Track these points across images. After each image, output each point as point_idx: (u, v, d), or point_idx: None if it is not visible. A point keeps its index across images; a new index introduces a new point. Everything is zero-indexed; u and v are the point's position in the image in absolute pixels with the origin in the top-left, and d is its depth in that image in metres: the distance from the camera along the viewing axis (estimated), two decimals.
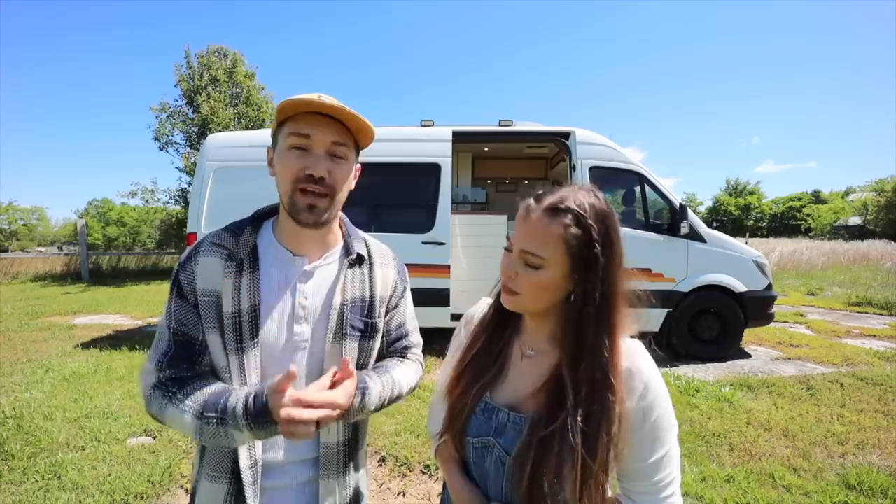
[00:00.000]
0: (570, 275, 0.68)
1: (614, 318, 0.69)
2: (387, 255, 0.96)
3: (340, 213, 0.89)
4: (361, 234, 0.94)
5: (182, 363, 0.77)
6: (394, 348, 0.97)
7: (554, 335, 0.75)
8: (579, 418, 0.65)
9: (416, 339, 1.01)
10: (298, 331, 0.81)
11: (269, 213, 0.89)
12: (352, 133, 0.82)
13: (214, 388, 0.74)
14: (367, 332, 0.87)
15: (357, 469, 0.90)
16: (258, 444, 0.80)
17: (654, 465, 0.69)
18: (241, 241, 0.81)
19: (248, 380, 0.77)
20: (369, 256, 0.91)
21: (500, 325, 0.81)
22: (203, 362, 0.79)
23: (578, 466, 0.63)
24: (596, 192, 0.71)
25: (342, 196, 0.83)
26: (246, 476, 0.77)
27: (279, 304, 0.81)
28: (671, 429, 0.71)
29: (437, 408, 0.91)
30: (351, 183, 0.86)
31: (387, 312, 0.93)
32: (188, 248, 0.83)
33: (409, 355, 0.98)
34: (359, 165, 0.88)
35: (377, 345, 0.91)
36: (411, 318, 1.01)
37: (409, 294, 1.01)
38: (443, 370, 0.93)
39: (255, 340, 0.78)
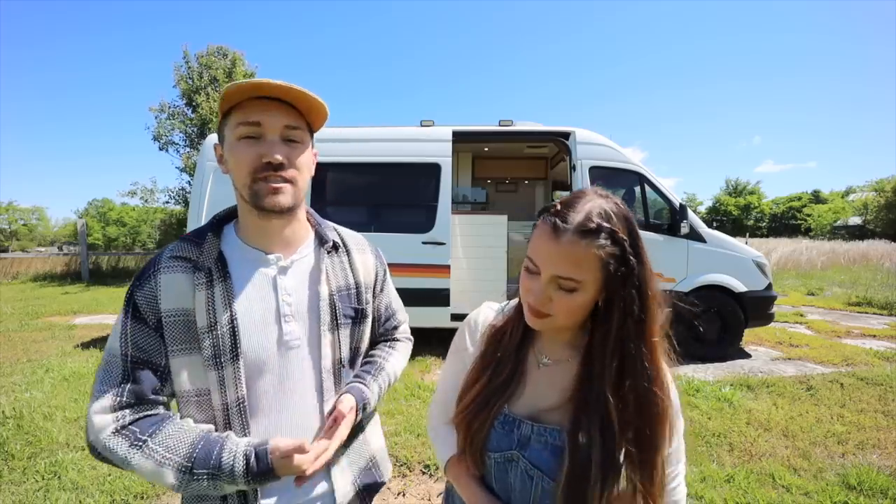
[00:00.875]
0: (603, 289, 0.67)
1: (653, 327, 0.68)
2: (361, 241, 0.95)
3: (306, 206, 0.87)
4: (330, 223, 0.93)
5: (143, 396, 0.69)
6: (384, 329, 0.99)
7: (572, 342, 0.75)
8: (630, 438, 0.65)
9: (402, 316, 1.04)
10: (288, 330, 0.78)
11: (228, 216, 0.84)
12: (303, 115, 0.77)
13: (195, 436, 0.68)
14: (358, 318, 0.87)
15: (366, 439, 0.90)
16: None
17: (670, 457, 0.70)
18: (205, 249, 0.75)
19: (228, 396, 0.72)
20: (344, 244, 0.90)
21: (521, 336, 0.78)
22: (165, 392, 0.73)
23: (637, 488, 0.65)
24: (612, 197, 0.69)
25: (304, 182, 0.78)
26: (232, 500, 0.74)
27: (261, 307, 0.76)
28: (681, 422, 0.72)
29: (439, 421, 0.89)
30: (311, 168, 0.81)
31: (374, 297, 0.94)
32: (143, 266, 0.75)
33: (397, 335, 1.01)
34: (316, 150, 0.84)
35: (368, 329, 0.91)
36: (395, 298, 1.03)
37: (389, 275, 1.02)
38: (443, 374, 0.91)
39: (237, 352, 0.73)
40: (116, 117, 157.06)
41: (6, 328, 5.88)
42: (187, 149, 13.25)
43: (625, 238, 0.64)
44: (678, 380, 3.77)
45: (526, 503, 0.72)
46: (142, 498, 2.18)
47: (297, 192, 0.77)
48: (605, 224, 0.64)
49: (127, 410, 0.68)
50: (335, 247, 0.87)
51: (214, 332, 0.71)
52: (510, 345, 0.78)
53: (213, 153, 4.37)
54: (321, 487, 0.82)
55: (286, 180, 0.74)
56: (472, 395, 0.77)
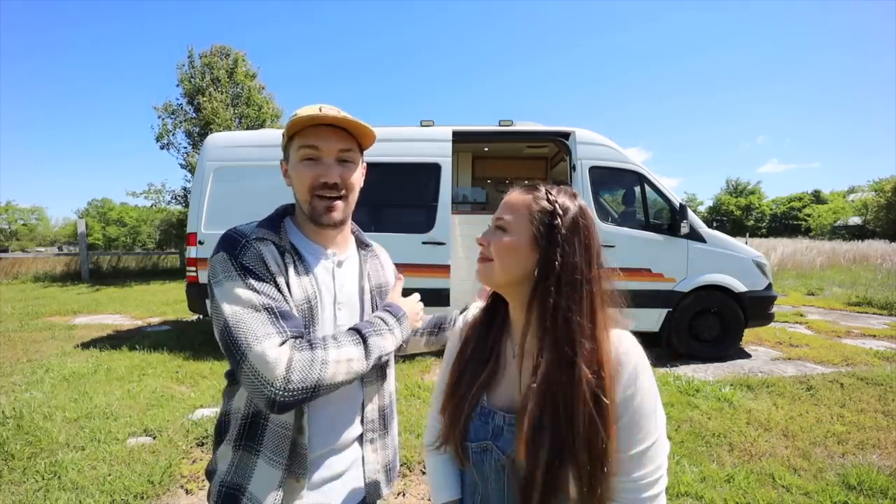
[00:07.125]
0: (535, 247, 0.70)
1: (591, 303, 0.69)
2: (381, 247, 1.12)
3: None
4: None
5: (301, 330, 0.75)
6: None
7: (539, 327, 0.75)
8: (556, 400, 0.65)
9: None
10: (340, 316, 0.88)
11: (287, 211, 0.94)
12: (355, 137, 0.88)
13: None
14: None
15: (393, 436, 1.01)
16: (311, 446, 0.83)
17: (634, 459, 0.65)
18: (281, 234, 0.85)
19: None
20: (375, 248, 1.06)
21: (488, 323, 0.82)
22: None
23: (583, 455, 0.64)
24: (575, 193, 0.76)
25: (354, 197, 0.91)
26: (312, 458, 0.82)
27: (326, 294, 0.87)
28: (655, 422, 0.67)
29: (434, 416, 0.91)
30: (361, 182, 0.93)
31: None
32: (227, 241, 0.80)
33: None
34: (365, 164, 0.95)
35: None
36: None
37: None
38: (440, 376, 0.93)
39: (315, 327, 0.82)
40: (117, 117, 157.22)
41: (6, 328, 5.89)
42: (189, 148, 13.25)
43: (556, 200, 0.71)
44: (678, 380, 3.78)
45: (500, 492, 0.74)
46: (142, 498, 2.18)
47: (348, 207, 0.89)
48: (544, 186, 0.73)
49: (297, 340, 0.73)
50: (370, 249, 1.02)
51: (302, 306, 0.81)
52: (476, 319, 0.84)
53: (213, 153, 4.37)
54: (354, 470, 0.91)
55: (339, 197, 0.86)
56: (451, 381, 0.81)
